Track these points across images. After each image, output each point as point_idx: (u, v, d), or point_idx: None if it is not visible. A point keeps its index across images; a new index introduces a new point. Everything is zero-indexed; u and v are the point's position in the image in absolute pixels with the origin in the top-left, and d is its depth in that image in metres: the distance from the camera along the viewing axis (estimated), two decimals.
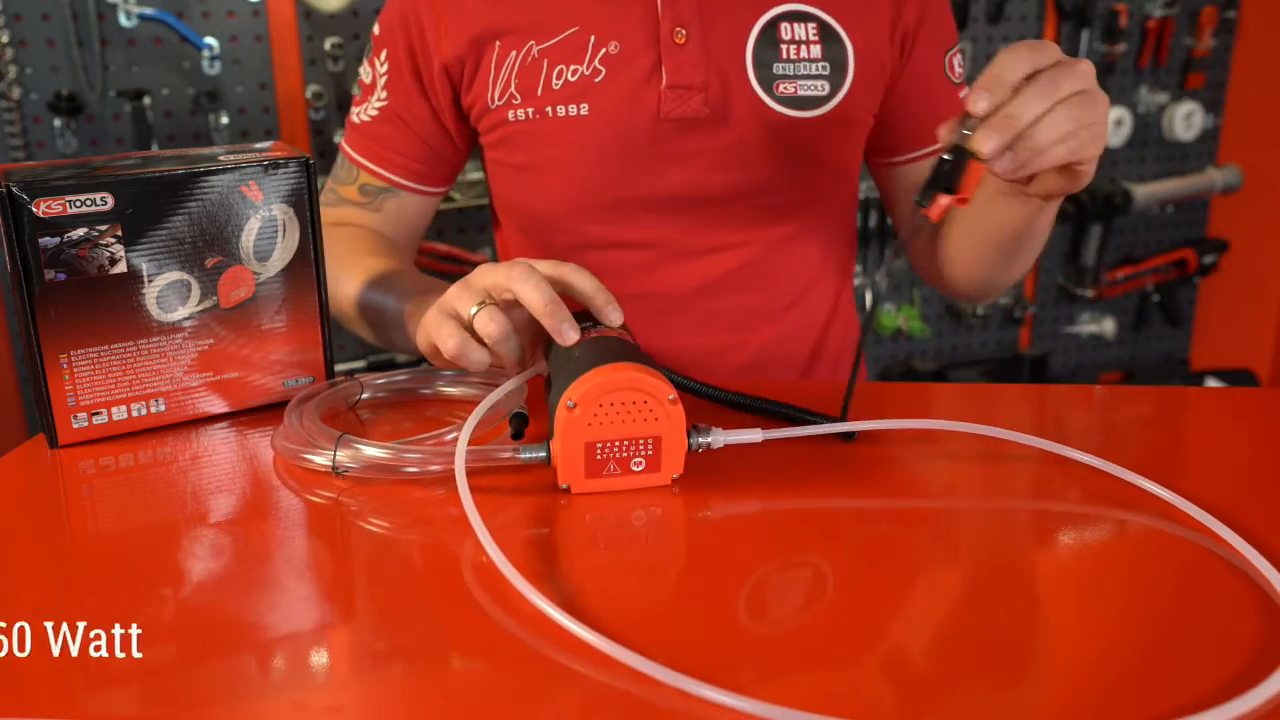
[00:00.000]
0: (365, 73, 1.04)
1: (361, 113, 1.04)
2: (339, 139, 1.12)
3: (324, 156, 2.15)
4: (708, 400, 0.82)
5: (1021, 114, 0.68)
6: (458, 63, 0.98)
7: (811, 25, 0.96)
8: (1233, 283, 2.76)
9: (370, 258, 0.99)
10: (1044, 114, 0.68)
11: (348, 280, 0.98)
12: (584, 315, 0.75)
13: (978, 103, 0.68)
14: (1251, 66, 2.62)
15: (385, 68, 1.01)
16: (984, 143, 0.68)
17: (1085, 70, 0.70)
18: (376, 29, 1.03)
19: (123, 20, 1.99)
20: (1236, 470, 0.75)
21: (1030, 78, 0.69)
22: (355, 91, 1.05)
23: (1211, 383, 2.77)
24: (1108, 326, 2.74)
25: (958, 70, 1.04)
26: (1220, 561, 0.61)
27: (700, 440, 0.70)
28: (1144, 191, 2.59)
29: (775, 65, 0.95)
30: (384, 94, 1.02)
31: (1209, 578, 0.60)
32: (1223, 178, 2.64)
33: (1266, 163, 2.63)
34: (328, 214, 1.04)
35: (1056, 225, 2.65)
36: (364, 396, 0.85)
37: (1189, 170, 2.67)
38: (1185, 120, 2.58)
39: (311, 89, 2.11)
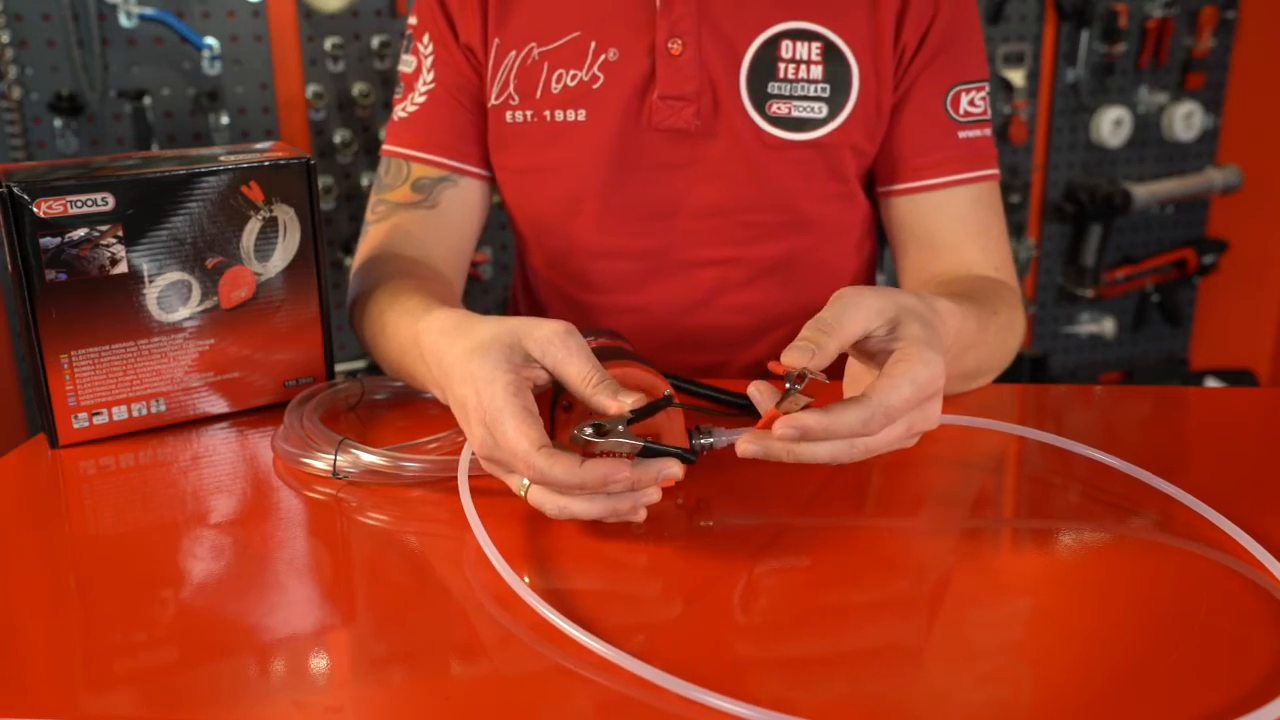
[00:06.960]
0: (407, 63, 1.02)
1: (407, 104, 1.02)
2: (382, 138, 1.07)
3: (324, 156, 2.15)
4: (707, 401, 0.82)
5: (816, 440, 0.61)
6: (473, 49, 0.98)
7: (816, 45, 0.93)
8: (1232, 283, 2.76)
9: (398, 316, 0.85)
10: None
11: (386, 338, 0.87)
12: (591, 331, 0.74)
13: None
14: (1251, 66, 2.62)
15: (430, 49, 1.00)
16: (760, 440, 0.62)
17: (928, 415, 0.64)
18: (413, 19, 1.02)
19: (123, 20, 1.99)
20: (1238, 471, 0.75)
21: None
22: (396, 92, 1.03)
23: (1211, 383, 2.77)
24: (1107, 326, 2.74)
25: (965, 108, 0.97)
26: (1230, 562, 0.61)
27: (703, 441, 0.69)
28: (1144, 191, 2.59)
29: (771, 84, 0.93)
30: (430, 75, 1.00)
31: (1217, 579, 0.60)
32: (1222, 178, 2.64)
33: (1266, 163, 2.63)
34: (374, 235, 0.99)
35: (1056, 225, 2.67)
36: (364, 397, 0.85)
37: (1189, 170, 2.67)
38: (1185, 120, 2.58)
39: (312, 89, 2.11)
